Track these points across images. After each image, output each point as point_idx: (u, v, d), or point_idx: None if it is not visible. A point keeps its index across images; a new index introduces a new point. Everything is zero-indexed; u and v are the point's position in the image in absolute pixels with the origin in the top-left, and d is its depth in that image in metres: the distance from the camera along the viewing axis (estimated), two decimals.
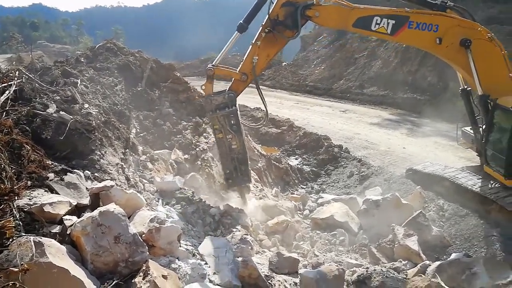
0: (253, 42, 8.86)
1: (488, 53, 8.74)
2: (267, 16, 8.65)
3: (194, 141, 12.28)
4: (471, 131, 10.53)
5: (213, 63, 9.08)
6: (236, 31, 8.89)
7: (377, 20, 8.68)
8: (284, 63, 41.15)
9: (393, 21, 8.65)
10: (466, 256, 7.57)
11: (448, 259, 7.63)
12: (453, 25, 8.65)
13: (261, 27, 8.76)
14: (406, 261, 7.80)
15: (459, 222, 9.41)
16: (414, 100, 24.79)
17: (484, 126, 9.55)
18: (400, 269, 7.51)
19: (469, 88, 10.03)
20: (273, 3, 8.61)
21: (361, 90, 29.48)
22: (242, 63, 9.02)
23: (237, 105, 9.07)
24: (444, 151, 16.04)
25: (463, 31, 8.64)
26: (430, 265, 7.29)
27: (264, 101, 9.67)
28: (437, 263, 7.36)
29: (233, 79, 9.15)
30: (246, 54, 8.99)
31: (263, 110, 22.22)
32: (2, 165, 5.84)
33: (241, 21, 8.80)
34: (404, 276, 7.22)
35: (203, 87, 9.09)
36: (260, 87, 9.56)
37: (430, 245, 8.67)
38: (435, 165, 11.85)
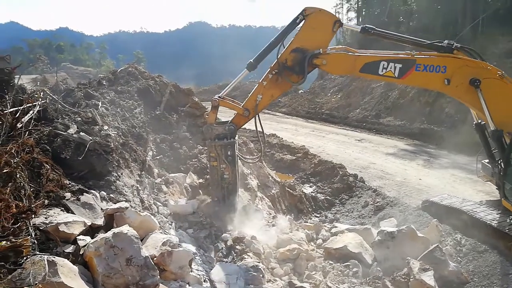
0: (260, 81, 9.25)
1: (499, 90, 8.73)
2: (276, 60, 8.99)
3: (209, 165, 12.34)
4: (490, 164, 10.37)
5: (220, 95, 9.53)
6: (246, 69, 9.37)
7: (384, 65, 8.83)
8: (301, 90, 41.53)
9: (400, 65, 8.77)
10: None
11: None
12: (460, 65, 8.69)
13: (269, 69, 9.12)
14: None
15: (477, 258, 9.13)
16: (431, 131, 24.59)
17: (500, 160, 9.41)
18: None
19: (483, 123, 9.95)
20: (284, 47, 8.94)
21: (377, 120, 29.43)
22: (247, 99, 9.39)
23: (236, 138, 9.46)
24: (462, 184, 15.75)
25: (472, 71, 8.66)
26: None
27: (263, 136, 10.00)
28: None
29: (235, 113, 9.45)
30: (252, 92, 9.37)
31: (281, 138, 22.29)
32: (22, 183, 5.98)
33: (251, 60, 9.26)
34: None
35: (207, 116, 9.53)
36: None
37: (447, 281, 8.41)
38: (453, 197, 11.63)
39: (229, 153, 9.27)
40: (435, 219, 10.61)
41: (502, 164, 9.36)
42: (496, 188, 10.32)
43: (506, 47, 24.09)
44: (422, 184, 15.95)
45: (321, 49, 8.87)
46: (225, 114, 11.39)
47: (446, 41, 9.12)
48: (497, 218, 9.42)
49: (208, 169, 11.70)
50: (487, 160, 10.83)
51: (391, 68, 8.79)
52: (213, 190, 9.74)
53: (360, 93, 33.50)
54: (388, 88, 31.01)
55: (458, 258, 9.39)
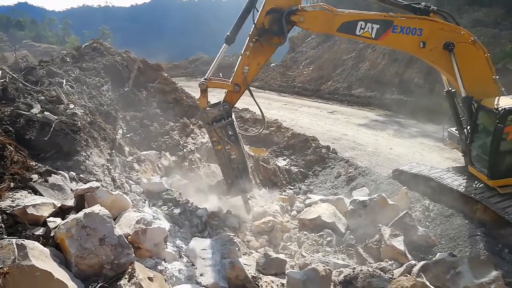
0: (242, 52, 8.94)
1: (471, 56, 8.90)
2: (253, 26, 8.71)
3: (181, 142, 12.22)
4: (457, 132, 10.66)
5: (205, 77, 9.15)
6: (225, 43, 8.99)
7: (361, 25, 8.78)
8: (273, 64, 41.24)
9: (377, 26, 8.76)
10: (451, 255, 7.64)
11: (433, 258, 7.68)
12: (436, 28, 8.79)
13: (248, 37, 8.83)
14: (392, 261, 7.84)
15: (444, 222, 9.51)
16: (401, 101, 25.04)
17: (468, 127, 9.69)
18: (387, 269, 7.55)
19: (453, 90, 10.18)
20: (258, 12, 8.68)
21: (349, 91, 29.70)
22: (233, 74, 9.09)
23: (233, 116, 9.18)
24: (430, 152, 16.22)
25: (446, 35, 8.78)
26: (415, 265, 7.34)
27: (261, 109, 9.72)
28: (423, 262, 7.40)
29: (226, 91, 9.19)
30: (237, 65, 9.05)
31: (253, 112, 22.22)
32: None
33: (228, 33, 8.91)
34: (390, 276, 7.26)
35: (198, 102, 9.22)
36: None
37: (416, 245, 8.75)
38: (421, 165, 11.96)
39: (230, 133, 9.01)
40: (405, 187, 10.93)
41: (468, 131, 9.65)
42: (462, 155, 10.68)
43: (472, 16, 24.54)
44: (393, 154, 16.33)
45: (298, 6, 8.70)
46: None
47: (423, 3, 9.16)
48: (464, 184, 9.77)
49: (181, 146, 11.62)
50: (453, 128, 11.14)
51: (368, 28, 8.77)
52: (224, 174, 9.52)
53: (332, 65, 33.58)
54: (359, 59, 31.20)
55: (427, 223, 9.76)
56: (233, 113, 9.24)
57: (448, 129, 11.64)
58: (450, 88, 10.36)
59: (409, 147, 17.12)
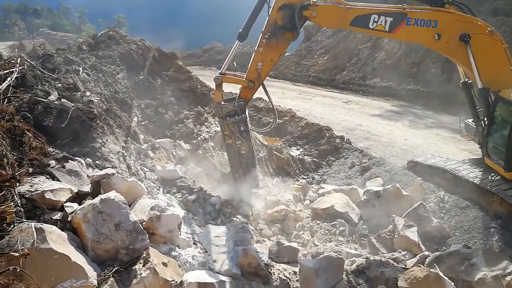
0: (256, 49, 8.94)
1: (488, 47, 8.69)
2: (266, 22, 8.68)
3: (195, 131, 12.28)
4: (474, 123, 10.50)
5: (220, 71, 9.22)
6: (237, 40, 9.03)
7: (374, 18, 8.64)
8: (287, 53, 40.89)
9: (391, 19, 8.60)
10: (466, 247, 7.58)
11: (448, 250, 7.64)
12: (452, 20, 8.59)
13: (261, 34, 8.80)
14: (405, 252, 7.82)
15: (459, 214, 9.42)
16: (417, 91, 24.65)
17: (485, 119, 9.52)
18: (399, 259, 7.54)
19: (470, 81, 9.99)
20: (270, 8, 8.63)
21: (363, 81, 29.34)
22: (248, 70, 9.11)
23: (246, 113, 9.28)
24: (446, 144, 16.00)
25: (462, 26, 8.58)
26: (429, 256, 7.32)
27: (273, 105, 9.91)
28: (436, 253, 7.38)
29: (241, 86, 9.23)
30: (251, 61, 9.06)
31: (267, 101, 22.15)
32: (4, 152, 5.87)
33: (240, 30, 8.92)
34: (403, 266, 7.25)
35: (213, 95, 9.30)
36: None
37: (430, 236, 8.70)
38: (437, 157, 11.83)
39: (242, 129, 9.12)
40: (420, 178, 10.84)
41: (485, 123, 9.49)
42: (479, 147, 10.52)
43: (492, 5, 23.89)
44: (408, 144, 16.15)
45: (310, 0, 8.62)
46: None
47: None
48: (480, 176, 9.64)
49: (195, 135, 11.70)
50: (470, 120, 10.96)
51: (381, 21, 8.62)
52: (232, 168, 9.68)
53: (347, 54, 33.15)
54: (375, 49, 30.75)
55: (441, 214, 9.68)
56: (247, 109, 9.33)
57: (465, 121, 11.47)
58: (466, 80, 10.16)
59: (424, 138, 16.91)
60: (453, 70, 21.89)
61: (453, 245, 8.18)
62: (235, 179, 9.63)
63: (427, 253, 7.60)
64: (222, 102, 9.15)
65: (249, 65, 9.08)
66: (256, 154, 9.99)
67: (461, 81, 10.41)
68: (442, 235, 8.81)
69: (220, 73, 9.17)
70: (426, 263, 7.06)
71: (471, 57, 8.63)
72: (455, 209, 9.62)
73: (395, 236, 8.27)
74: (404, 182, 11.52)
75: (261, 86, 9.16)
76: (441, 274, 6.12)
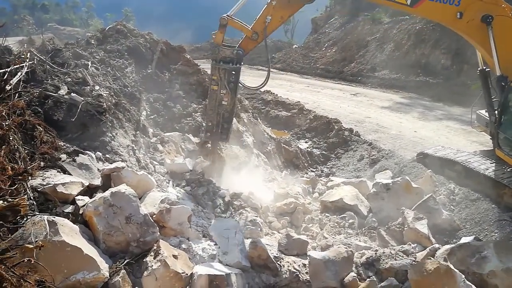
0: (269, 1, 8.64)
1: (510, 31, 8.45)
2: None
3: (204, 124, 12.28)
4: (486, 114, 10.33)
5: (228, 13, 8.84)
6: None
7: None
8: (295, 45, 40.76)
9: None
10: (476, 239, 7.52)
11: (458, 242, 7.59)
12: None
13: None
14: (415, 244, 7.79)
15: (469, 206, 9.34)
16: (427, 83, 24.42)
17: (498, 109, 9.37)
18: (409, 252, 7.51)
19: (488, 69, 9.79)
20: None
21: (372, 73, 29.12)
22: (255, 21, 8.83)
23: (241, 64, 8.99)
24: (456, 135, 15.85)
25: (486, 7, 8.33)
26: (439, 248, 7.28)
27: (269, 61, 9.54)
28: (447, 246, 7.34)
29: (244, 36, 9.00)
30: (260, 13, 8.79)
31: (275, 94, 22.05)
32: (16, 146, 5.94)
33: None
34: (413, 259, 7.23)
35: (214, 36, 8.95)
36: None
37: (440, 229, 8.65)
38: (447, 149, 11.72)
39: (232, 79, 8.86)
40: (430, 170, 10.76)
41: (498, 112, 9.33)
42: (490, 138, 10.39)
43: None
44: (417, 136, 16.03)
45: None
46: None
47: None
48: (491, 168, 9.53)
49: (203, 128, 11.69)
50: (482, 111, 10.81)
51: None
52: (208, 115, 9.44)
53: (355, 46, 32.89)
54: (383, 40, 30.47)
55: (451, 206, 9.61)
56: (242, 62, 9.03)
57: (477, 112, 11.31)
58: (484, 67, 9.95)
59: (434, 130, 16.77)
60: (463, 61, 21.69)
61: (463, 237, 8.11)
62: (207, 127, 9.42)
63: (437, 245, 7.56)
64: (222, 45, 8.86)
65: (258, 16, 8.81)
66: (264, 145, 9.82)
67: (478, 69, 10.19)
68: (452, 228, 8.75)
69: (227, 15, 8.79)
70: (436, 255, 7.03)
71: (491, 41, 8.40)
72: (465, 202, 9.53)
73: (405, 228, 8.23)
74: (413, 175, 11.45)
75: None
76: (452, 267, 6.08)
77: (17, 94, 7.17)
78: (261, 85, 9.90)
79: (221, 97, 9.02)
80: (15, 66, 7.75)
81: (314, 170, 14.49)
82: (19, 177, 5.43)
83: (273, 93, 22.64)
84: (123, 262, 5.64)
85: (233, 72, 8.88)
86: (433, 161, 11.37)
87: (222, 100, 9.04)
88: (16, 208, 4.72)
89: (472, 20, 8.38)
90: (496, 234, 8.23)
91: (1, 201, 4.70)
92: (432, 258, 6.73)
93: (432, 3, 8.38)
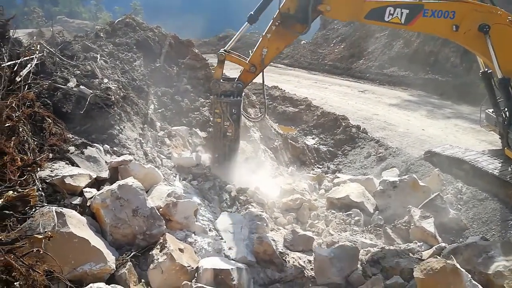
0: (264, 34, 8.87)
1: (508, 37, 8.38)
2: (278, 10, 8.55)
3: (211, 118, 12.29)
4: (494, 113, 10.27)
5: (225, 48, 9.18)
6: (247, 22, 8.94)
7: (390, 10, 8.42)
8: (303, 41, 40.49)
9: (407, 11, 8.37)
10: (483, 239, 7.49)
11: (465, 242, 7.56)
12: (470, 10, 8.31)
13: (272, 20, 8.70)
14: (421, 243, 7.77)
15: (477, 206, 9.28)
16: (435, 81, 24.19)
17: (505, 109, 9.31)
18: (415, 250, 7.50)
19: (490, 71, 9.74)
20: None
21: (381, 70, 28.89)
22: (252, 54, 9.06)
23: (242, 96, 9.27)
24: (465, 134, 15.71)
25: (481, 16, 8.30)
26: (445, 247, 7.26)
27: (266, 97, 10.04)
28: (453, 245, 7.31)
29: (242, 69, 9.19)
30: (256, 46, 9.01)
31: (283, 90, 22.02)
32: (25, 137, 5.99)
33: (252, 13, 8.84)
34: (419, 257, 7.22)
35: (213, 71, 9.22)
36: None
37: (447, 228, 8.61)
38: (455, 147, 11.64)
39: (234, 111, 9.07)
40: (437, 169, 10.70)
41: (506, 113, 9.27)
42: (499, 138, 10.30)
43: None
44: (425, 135, 15.91)
45: None
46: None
47: None
48: (499, 167, 9.46)
49: (211, 123, 11.71)
50: (491, 110, 10.73)
51: (397, 14, 8.42)
52: (214, 146, 9.72)
53: (364, 43, 32.63)
54: (393, 37, 30.18)
55: (459, 206, 9.56)
56: (243, 93, 9.34)
57: (485, 111, 11.22)
58: (486, 69, 9.92)
59: (442, 129, 16.63)
60: (472, 60, 21.38)
61: (470, 237, 8.09)
62: (214, 158, 9.68)
63: (443, 244, 7.54)
64: (221, 80, 9.12)
65: (254, 49, 9.01)
66: (271, 140, 9.91)
67: (480, 71, 10.17)
68: (459, 227, 8.71)
69: (224, 50, 9.10)
70: (442, 254, 7.00)
71: (490, 48, 8.38)
72: (473, 201, 9.47)
73: (411, 227, 8.21)
74: (420, 173, 11.39)
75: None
76: (458, 266, 6.05)
77: (26, 86, 7.22)
78: (260, 116, 10.78)
79: (225, 129, 9.26)
80: (25, 58, 7.81)
81: (320, 166, 14.46)
82: (28, 168, 5.48)
83: (281, 89, 22.57)
84: (130, 255, 5.69)
85: (235, 105, 9.09)
86: (441, 160, 11.31)
87: (227, 132, 9.28)
88: (25, 198, 4.77)
89: (469, 31, 8.33)
90: (503, 234, 8.18)
91: (11, 192, 4.75)
92: (438, 257, 6.68)
93: (427, 19, 8.35)
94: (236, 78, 9.25)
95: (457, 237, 8.48)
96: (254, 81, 10.02)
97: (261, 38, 8.98)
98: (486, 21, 8.25)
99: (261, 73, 9.35)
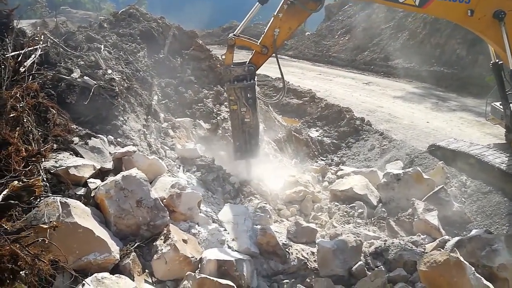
0: (275, 14, 8.58)
1: None
2: None
3: (215, 110, 12.28)
4: (501, 106, 10.17)
5: (235, 33, 8.91)
6: (257, 3, 8.64)
7: None
8: (308, 33, 40.21)
9: None
10: (487, 232, 7.47)
11: (469, 235, 7.55)
12: None
13: (283, 0, 8.44)
14: (425, 236, 7.76)
15: (481, 199, 9.27)
16: (441, 73, 23.99)
17: None
18: (419, 243, 7.49)
19: (501, 62, 9.62)
20: None
21: (385, 62, 28.67)
22: (263, 35, 8.80)
23: (255, 79, 8.98)
24: (470, 127, 15.62)
25: (497, 3, 8.12)
26: (449, 240, 7.25)
27: (283, 75, 9.59)
28: (457, 238, 7.30)
29: (253, 51, 8.95)
30: (268, 26, 8.76)
31: (287, 81, 21.95)
32: (30, 128, 6.00)
33: None
34: (422, 250, 7.22)
35: (223, 57, 8.99)
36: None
37: (450, 221, 8.60)
38: (460, 141, 11.58)
39: (249, 96, 8.80)
40: (441, 162, 10.66)
41: None
42: (505, 131, 10.23)
43: None
44: (430, 127, 15.82)
45: None
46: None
47: None
48: (506, 161, 9.40)
49: (215, 114, 11.72)
50: (497, 103, 10.64)
51: None
52: (234, 135, 9.46)
53: (369, 34, 32.34)
54: (398, 29, 29.91)
55: (463, 199, 9.54)
56: (256, 76, 9.01)
57: (492, 104, 11.13)
58: (497, 60, 9.79)
59: (447, 121, 16.54)
60: (478, 52, 21.22)
61: (474, 230, 8.07)
62: (236, 147, 9.39)
63: (447, 237, 7.53)
64: (232, 65, 8.85)
65: (266, 30, 8.78)
66: (274, 132, 9.78)
67: (491, 62, 10.03)
68: (463, 220, 8.70)
69: (234, 35, 8.85)
70: (446, 247, 7.00)
71: (504, 36, 8.22)
72: (477, 194, 9.45)
73: (415, 219, 8.20)
74: (425, 166, 11.37)
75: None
76: (461, 259, 6.05)
77: (31, 77, 7.20)
78: (278, 97, 10.51)
79: (242, 115, 8.95)
80: (29, 49, 7.78)
81: (324, 158, 14.44)
82: (33, 159, 5.49)
83: (286, 81, 22.47)
84: (134, 245, 5.70)
85: (249, 89, 8.81)
86: (446, 154, 11.26)
87: (244, 118, 8.97)
88: (31, 188, 4.79)
89: (483, 17, 8.12)
90: (507, 228, 8.18)
91: (17, 182, 4.77)
92: (441, 250, 6.70)
93: (442, 2, 8.16)
94: (247, 61, 8.97)
95: (460, 230, 8.48)
96: (257, 72, 9.89)
97: (272, 18, 8.68)
98: (502, 7, 8.05)
99: (275, 55, 9.00)
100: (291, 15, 8.52)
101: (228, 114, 9.41)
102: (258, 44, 8.80)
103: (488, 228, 8.25)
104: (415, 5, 8.32)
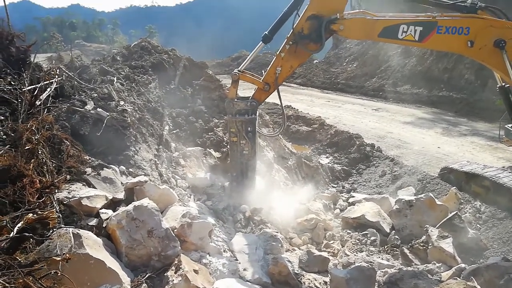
0: (277, 53, 9.01)
1: None
2: (291, 30, 8.69)
3: (225, 139, 12.38)
4: None
5: (239, 69, 9.36)
6: (261, 41, 9.12)
7: (403, 28, 8.44)
8: (316, 60, 40.82)
9: (421, 28, 8.36)
10: (505, 260, 7.28)
11: (486, 262, 7.36)
12: (485, 26, 8.26)
13: (285, 39, 8.85)
14: (440, 264, 7.59)
15: (497, 225, 9.09)
16: (450, 98, 24.03)
17: None
18: (434, 271, 7.33)
19: (507, 85, 9.64)
20: (299, 16, 8.65)
21: (394, 88, 28.85)
22: (265, 73, 9.18)
23: (257, 114, 9.33)
24: (482, 151, 15.48)
25: (497, 32, 8.23)
26: (465, 268, 7.07)
27: (283, 110, 9.95)
28: (474, 266, 7.12)
29: (256, 87, 9.30)
30: (270, 65, 9.15)
31: (296, 109, 22.14)
32: (44, 160, 6.11)
33: (266, 32, 9.01)
34: (438, 278, 7.04)
35: (227, 91, 9.34)
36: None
37: (466, 248, 8.41)
38: (473, 164, 11.46)
39: (249, 129, 9.15)
40: (454, 187, 10.53)
41: None
42: None
43: None
44: (441, 152, 15.72)
45: (338, 14, 8.60)
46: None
47: (469, 1, 8.68)
48: None
49: (225, 143, 11.81)
50: (510, 125, 10.58)
51: (411, 31, 8.42)
52: (232, 165, 9.74)
53: (377, 61, 32.74)
54: (406, 55, 30.23)
55: (478, 225, 9.36)
56: (257, 112, 9.38)
57: (505, 126, 11.07)
58: (503, 84, 9.82)
59: (458, 146, 16.42)
60: (487, 76, 21.27)
61: (491, 257, 7.88)
62: (232, 178, 9.64)
63: (463, 265, 7.35)
64: (236, 99, 9.21)
65: (268, 68, 9.13)
66: (284, 160, 9.90)
67: (497, 86, 10.07)
68: (478, 247, 8.51)
69: (238, 70, 9.26)
70: (462, 275, 6.82)
71: (507, 63, 8.31)
72: (492, 220, 9.28)
73: (429, 247, 8.05)
74: (437, 192, 11.23)
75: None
76: None
77: (46, 109, 7.41)
78: (277, 132, 10.84)
79: (241, 147, 9.31)
80: (45, 82, 8.04)
81: (335, 185, 14.36)
82: (47, 190, 5.57)
83: (294, 108, 22.68)
84: (145, 276, 5.66)
85: (250, 123, 9.18)
86: (459, 176, 11.13)
87: (243, 150, 9.33)
88: (45, 220, 4.84)
89: (484, 46, 8.20)
90: None
91: (31, 214, 4.83)
92: (458, 279, 6.53)
93: (441, 35, 8.29)
94: (250, 97, 9.35)
95: (477, 258, 8.28)
96: (267, 100, 10.10)
97: (274, 57, 9.12)
98: (502, 36, 8.17)
99: (276, 91, 9.37)
100: (292, 55, 8.89)
101: (228, 145, 9.67)
102: (260, 81, 9.18)
103: (506, 255, 8.03)
104: (415, 40, 8.47)
